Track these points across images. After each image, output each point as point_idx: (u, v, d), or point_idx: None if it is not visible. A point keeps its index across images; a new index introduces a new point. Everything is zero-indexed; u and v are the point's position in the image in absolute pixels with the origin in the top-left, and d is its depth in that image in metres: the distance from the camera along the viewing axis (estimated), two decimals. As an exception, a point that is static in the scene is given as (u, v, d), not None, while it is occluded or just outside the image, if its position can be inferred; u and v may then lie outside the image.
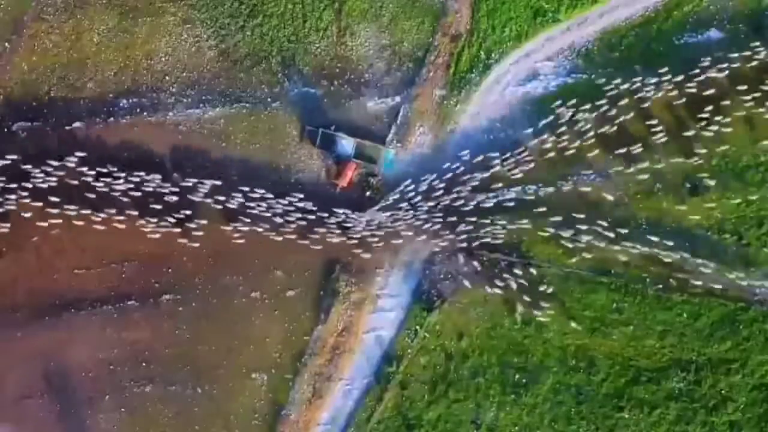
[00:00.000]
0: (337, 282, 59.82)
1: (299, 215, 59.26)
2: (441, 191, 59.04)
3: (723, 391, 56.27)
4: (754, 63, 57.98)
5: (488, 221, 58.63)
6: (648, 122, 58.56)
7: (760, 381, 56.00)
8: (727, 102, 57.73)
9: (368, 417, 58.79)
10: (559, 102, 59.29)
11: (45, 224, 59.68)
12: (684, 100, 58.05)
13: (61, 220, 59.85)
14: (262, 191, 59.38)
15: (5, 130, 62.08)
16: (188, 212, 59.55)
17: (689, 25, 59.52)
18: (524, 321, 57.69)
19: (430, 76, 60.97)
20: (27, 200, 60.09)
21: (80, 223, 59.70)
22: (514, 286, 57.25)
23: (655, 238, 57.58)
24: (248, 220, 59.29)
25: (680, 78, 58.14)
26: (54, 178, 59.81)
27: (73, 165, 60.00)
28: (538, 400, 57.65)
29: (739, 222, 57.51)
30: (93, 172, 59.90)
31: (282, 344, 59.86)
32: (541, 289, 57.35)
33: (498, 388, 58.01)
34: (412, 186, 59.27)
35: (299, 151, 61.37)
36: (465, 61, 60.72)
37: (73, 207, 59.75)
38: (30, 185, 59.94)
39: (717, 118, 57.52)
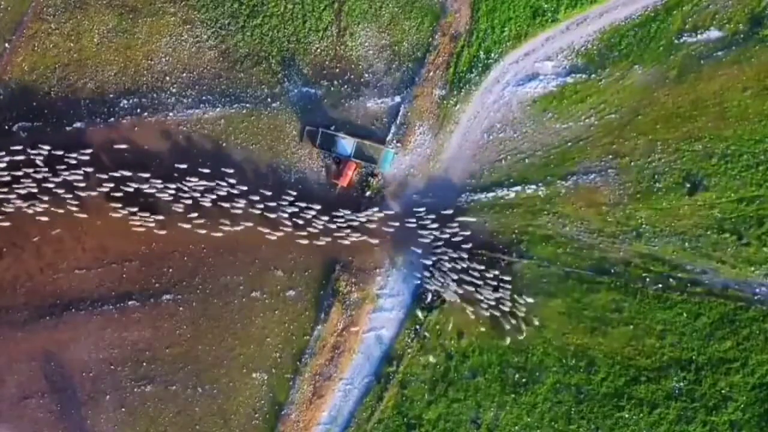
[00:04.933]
0: (337, 282, 59.88)
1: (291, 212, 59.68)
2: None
3: (723, 391, 56.20)
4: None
5: (488, 219, 58.87)
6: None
7: (760, 380, 55.91)
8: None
9: (368, 416, 58.87)
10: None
11: (45, 221, 60.12)
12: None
13: (62, 210, 60.25)
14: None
15: (6, 129, 62.30)
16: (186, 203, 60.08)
17: (689, 25, 59.47)
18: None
19: (429, 76, 60.95)
20: (28, 201, 60.46)
21: (81, 222, 60.09)
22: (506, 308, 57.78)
23: (654, 238, 57.61)
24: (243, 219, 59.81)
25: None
26: (54, 177, 60.18)
27: (73, 164, 60.34)
28: (538, 400, 57.66)
29: (739, 221, 57.43)
30: (90, 171, 60.32)
31: (282, 344, 59.95)
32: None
33: (498, 388, 58.03)
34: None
35: (299, 151, 61.42)
36: (464, 60, 60.70)
37: (73, 204, 60.21)
38: (30, 184, 60.32)
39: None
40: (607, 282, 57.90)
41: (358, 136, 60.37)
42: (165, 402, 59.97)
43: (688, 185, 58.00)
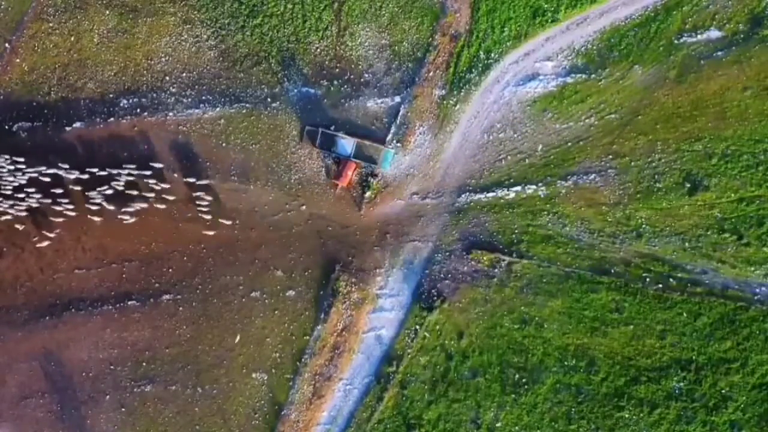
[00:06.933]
0: (337, 282, 59.86)
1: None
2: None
3: (723, 391, 56.16)
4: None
5: (487, 218, 58.90)
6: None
7: (760, 380, 55.87)
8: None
9: (368, 417, 58.83)
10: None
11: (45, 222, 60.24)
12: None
13: (60, 219, 60.32)
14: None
15: (6, 129, 62.33)
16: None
17: (689, 25, 59.46)
18: (523, 320, 57.94)
19: (429, 76, 60.95)
20: (29, 201, 60.48)
21: (79, 222, 60.13)
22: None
23: (654, 238, 57.60)
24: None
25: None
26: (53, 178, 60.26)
27: (73, 164, 60.45)
28: (538, 400, 57.62)
29: (739, 221, 57.41)
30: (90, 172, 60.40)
31: (282, 344, 59.93)
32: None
33: (498, 388, 58.00)
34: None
35: (299, 151, 61.43)
36: (464, 60, 60.70)
37: (72, 205, 60.29)
38: (30, 184, 60.36)
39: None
40: (607, 282, 57.86)
41: (358, 136, 60.37)
42: (165, 402, 59.96)
43: (688, 185, 57.99)
